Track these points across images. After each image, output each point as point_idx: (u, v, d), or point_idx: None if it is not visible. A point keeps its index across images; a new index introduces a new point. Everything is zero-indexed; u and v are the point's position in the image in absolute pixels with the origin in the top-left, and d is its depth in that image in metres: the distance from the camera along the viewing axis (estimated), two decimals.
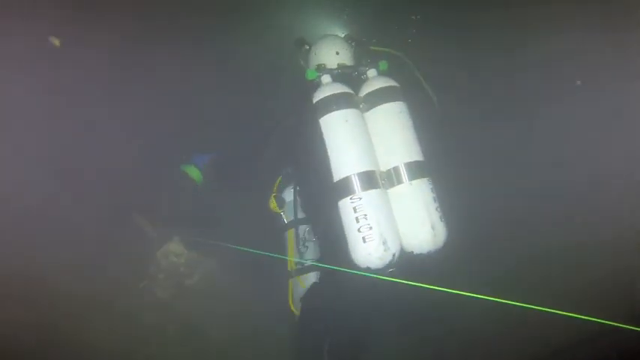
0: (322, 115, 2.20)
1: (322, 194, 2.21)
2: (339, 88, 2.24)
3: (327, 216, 2.19)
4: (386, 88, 2.29)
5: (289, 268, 2.74)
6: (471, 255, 2.60)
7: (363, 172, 2.11)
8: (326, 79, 2.37)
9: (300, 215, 2.65)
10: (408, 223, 2.13)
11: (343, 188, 2.11)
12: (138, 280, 3.30)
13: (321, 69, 2.43)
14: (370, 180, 2.11)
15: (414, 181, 2.16)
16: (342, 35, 2.84)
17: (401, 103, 2.28)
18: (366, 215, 2.06)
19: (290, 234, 2.75)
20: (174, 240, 3.35)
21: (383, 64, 2.45)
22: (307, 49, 2.73)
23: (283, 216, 2.80)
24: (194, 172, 3.07)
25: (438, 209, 2.16)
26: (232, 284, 3.26)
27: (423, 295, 2.17)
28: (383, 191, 2.15)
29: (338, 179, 2.12)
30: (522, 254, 2.87)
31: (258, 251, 2.48)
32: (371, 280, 2.05)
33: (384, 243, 2.04)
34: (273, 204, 2.77)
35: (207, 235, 3.04)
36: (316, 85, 2.38)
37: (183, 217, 3.24)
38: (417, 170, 2.17)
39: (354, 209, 2.07)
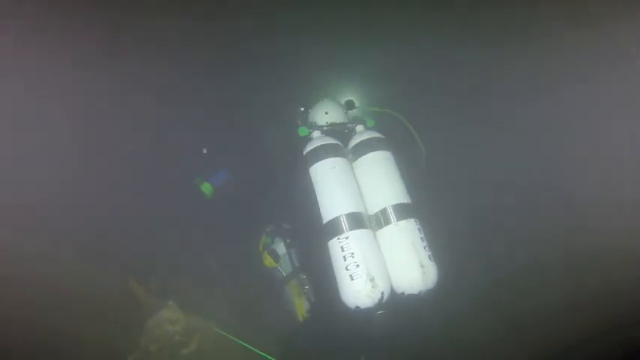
0: (312, 164, 2.35)
1: (313, 237, 2.27)
2: (328, 140, 2.42)
3: (318, 258, 2.22)
4: (372, 139, 2.45)
5: (300, 318, 2.71)
6: (465, 293, 2.54)
7: (350, 213, 2.19)
8: (316, 134, 2.56)
9: (297, 264, 2.68)
10: (396, 262, 2.15)
11: (332, 229, 2.18)
12: (126, 353, 3.04)
13: (312, 126, 2.62)
14: (357, 220, 2.18)
15: (401, 222, 2.22)
16: (337, 98, 3.09)
17: (386, 152, 2.43)
18: (353, 254, 2.10)
19: (292, 285, 2.76)
20: (169, 305, 3.18)
21: (370, 121, 2.65)
22: (302, 111, 2.94)
23: (280, 269, 2.81)
24: (207, 188, 3.14)
25: (427, 248, 2.18)
26: (234, 349, 3.02)
27: (413, 339, 2.13)
28: (371, 232, 2.21)
29: (327, 221, 2.20)
30: (517, 292, 2.80)
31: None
32: (361, 319, 2.02)
33: (372, 280, 2.05)
34: (267, 260, 2.80)
35: (207, 295, 3.01)
36: (307, 140, 2.55)
37: (181, 276, 3.21)
38: (403, 211, 2.24)
39: (342, 248, 2.12)
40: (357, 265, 2.07)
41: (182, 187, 3.24)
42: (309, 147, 2.41)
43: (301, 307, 2.74)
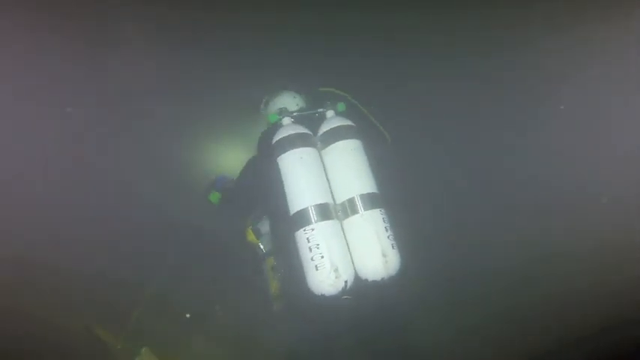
0: (279, 154, 2.39)
1: (282, 227, 2.37)
2: (296, 129, 2.45)
3: (286, 247, 2.33)
4: (341, 127, 2.47)
5: (273, 295, 2.87)
6: (427, 281, 2.66)
7: (317, 204, 2.27)
8: (286, 121, 2.59)
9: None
10: (360, 251, 2.25)
11: (299, 220, 2.26)
12: None
13: (283, 112, 2.65)
14: (324, 212, 2.26)
15: (367, 212, 2.29)
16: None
17: (355, 140, 2.46)
18: (318, 245, 2.20)
19: (269, 262, 2.90)
20: (142, 352, 2.91)
21: (341, 106, 2.66)
22: (266, 99, 2.98)
23: (261, 246, 2.95)
24: (214, 196, 3.04)
25: (390, 237, 2.27)
26: None
27: (378, 318, 2.27)
28: (337, 222, 2.29)
29: (294, 212, 2.28)
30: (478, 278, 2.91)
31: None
32: (328, 305, 2.16)
33: (336, 270, 2.16)
34: (250, 235, 2.93)
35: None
36: (278, 127, 2.60)
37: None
38: (369, 201, 2.31)
39: (308, 239, 2.22)
40: (322, 257, 2.17)
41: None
42: (278, 136, 2.44)
43: (275, 287, 2.89)
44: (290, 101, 2.89)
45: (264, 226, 2.94)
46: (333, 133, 2.46)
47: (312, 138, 2.47)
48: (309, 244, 2.21)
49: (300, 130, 2.45)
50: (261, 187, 2.57)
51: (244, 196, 2.81)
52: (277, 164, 2.40)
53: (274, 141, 2.44)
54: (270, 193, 2.46)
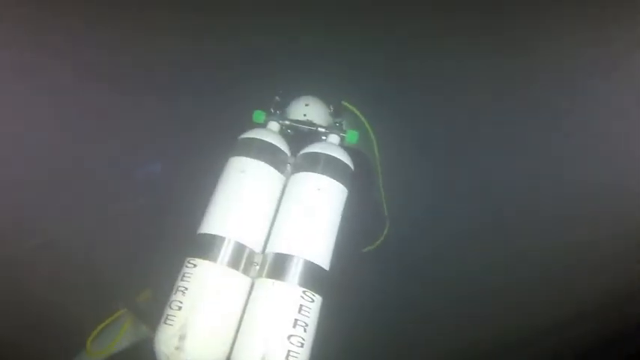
0: (233, 155, 1.73)
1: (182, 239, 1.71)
2: (274, 139, 1.75)
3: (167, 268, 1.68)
4: (333, 159, 1.69)
5: None
6: None
7: (229, 239, 1.54)
8: (273, 126, 1.92)
9: None
10: (240, 335, 1.45)
11: (195, 245, 1.57)
12: None
13: (272, 114, 1.97)
14: (236, 256, 1.52)
15: (284, 285, 1.48)
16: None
17: (343, 188, 1.66)
18: (185, 289, 1.47)
19: None
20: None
21: (352, 136, 1.87)
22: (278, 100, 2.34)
23: None
24: None
25: (292, 340, 1.41)
26: None
27: None
28: (245, 278, 1.53)
29: (201, 232, 1.60)
30: None
31: None
32: None
33: (182, 339, 1.40)
34: None
35: None
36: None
37: None
38: (304, 273, 1.49)
39: (183, 275, 1.51)
40: (179, 308, 1.45)
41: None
42: (248, 134, 1.78)
43: None
44: (297, 109, 2.22)
45: None
46: (316, 160, 1.69)
47: (286, 160, 1.76)
48: (179, 283, 1.50)
49: (278, 142, 1.76)
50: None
51: None
52: (225, 164, 1.75)
53: (241, 136, 1.80)
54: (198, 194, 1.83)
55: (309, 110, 2.18)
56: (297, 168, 1.71)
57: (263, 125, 1.94)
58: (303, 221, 1.57)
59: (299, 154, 1.75)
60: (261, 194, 1.66)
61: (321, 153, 1.70)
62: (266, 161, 1.70)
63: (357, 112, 2.19)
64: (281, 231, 1.59)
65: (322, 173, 1.64)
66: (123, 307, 2.30)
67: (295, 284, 1.47)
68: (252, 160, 1.69)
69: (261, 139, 1.74)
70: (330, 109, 2.16)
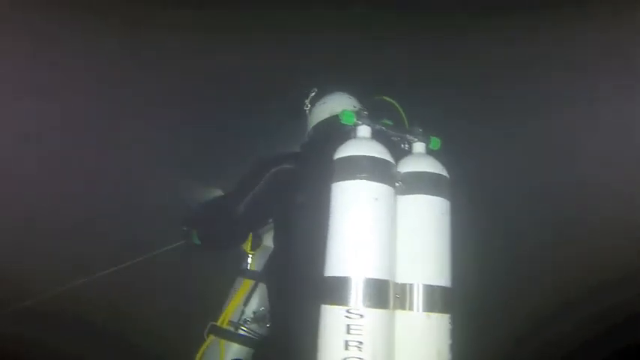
0: (340, 179, 1.54)
1: (301, 284, 1.54)
2: (377, 150, 1.60)
3: (299, 315, 1.52)
4: (432, 175, 1.67)
5: (219, 323, 2.14)
6: None
7: (374, 279, 1.45)
8: (364, 131, 1.74)
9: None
10: None
11: (335, 291, 1.43)
12: None
13: (362, 115, 1.78)
14: (380, 294, 1.45)
15: (433, 315, 1.53)
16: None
17: (445, 202, 1.68)
18: (361, 344, 1.39)
19: (245, 284, 2.18)
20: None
21: (435, 142, 1.86)
22: (315, 94, 2.14)
23: (250, 260, 2.13)
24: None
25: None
26: None
27: None
28: (390, 313, 1.50)
29: (331, 275, 1.45)
30: None
31: None
32: None
33: None
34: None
35: None
36: (344, 134, 1.76)
37: None
38: (440, 299, 1.55)
39: (348, 329, 1.39)
40: None
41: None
42: (348, 150, 1.58)
43: (228, 314, 2.13)
44: (347, 103, 2.07)
45: (268, 240, 2.13)
46: (421, 180, 1.65)
47: (394, 170, 1.66)
48: (348, 337, 1.39)
49: (382, 154, 1.60)
50: (282, 211, 1.75)
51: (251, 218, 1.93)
52: (331, 192, 1.55)
53: (339, 155, 1.59)
54: (299, 228, 1.62)
55: (356, 104, 2.03)
56: (409, 189, 1.64)
57: (352, 129, 1.73)
58: (440, 249, 1.59)
59: (406, 172, 1.66)
60: (392, 219, 1.57)
61: (427, 173, 1.67)
62: (385, 181, 1.57)
63: (398, 107, 2.10)
64: (422, 260, 1.57)
65: (445, 198, 1.64)
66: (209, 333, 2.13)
67: (447, 314, 1.54)
68: (377, 183, 1.54)
69: (374, 157, 1.57)
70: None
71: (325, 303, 1.44)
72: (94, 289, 2.38)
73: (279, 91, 2.92)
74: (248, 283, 2.20)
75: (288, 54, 3.13)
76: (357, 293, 1.42)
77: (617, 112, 2.82)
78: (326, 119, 2.03)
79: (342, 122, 1.72)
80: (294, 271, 1.63)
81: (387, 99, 2.07)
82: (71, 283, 2.29)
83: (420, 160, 1.71)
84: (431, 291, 1.54)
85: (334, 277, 1.45)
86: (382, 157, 1.59)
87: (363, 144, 1.62)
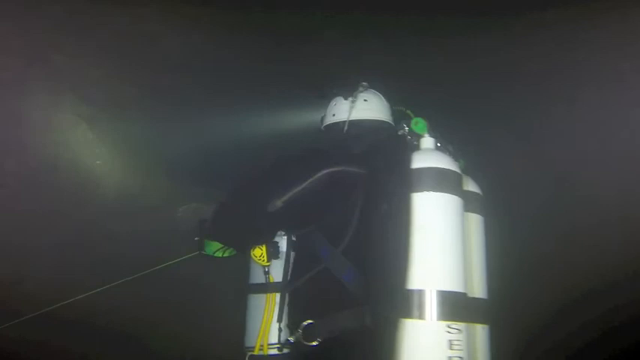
0: (421, 190, 1.51)
1: (380, 295, 1.46)
2: (450, 164, 1.61)
3: (377, 329, 1.43)
4: (478, 195, 1.78)
5: (257, 351, 1.91)
6: None
7: (460, 292, 1.47)
8: (428, 143, 1.73)
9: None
10: None
11: (431, 305, 1.39)
12: None
13: (420, 125, 1.77)
14: (467, 307, 1.48)
15: (485, 327, 1.62)
16: None
17: (485, 219, 1.80)
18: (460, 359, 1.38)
19: (269, 299, 1.91)
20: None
21: (461, 161, 1.95)
22: (363, 88, 2.04)
23: (268, 273, 1.85)
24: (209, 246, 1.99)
25: None
26: None
27: None
28: (474, 327, 1.53)
29: (415, 289, 1.41)
30: None
31: None
32: None
33: None
34: (258, 252, 1.81)
35: None
36: (401, 141, 1.74)
37: None
38: (486, 311, 1.66)
39: (450, 344, 1.37)
40: None
41: None
42: (427, 161, 1.56)
43: (266, 337, 1.88)
44: (387, 112, 2.05)
45: (282, 244, 1.89)
46: (475, 199, 1.74)
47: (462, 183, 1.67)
48: (451, 353, 1.36)
49: (455, 166, 1.62)
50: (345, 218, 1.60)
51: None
52: (412, 201, 1.51)
53: (419, 165, 1.55)
54: (383, 234, 1.52)
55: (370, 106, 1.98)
56: (470, 207, 1.69)
57: (409, 138, 1.70)
58: (484, 266, 1.69)
59: (465, 190, 1.71)
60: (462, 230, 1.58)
61: (477, 194, 1.76)
62: (459, 195, 1.58)
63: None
64: (483, 275, 1.65)
65: (482, 215, 1.75)
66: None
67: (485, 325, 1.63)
68: (456, 197, 1.56)
69: (452, 170, 1.58)
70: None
71: (414, 317, 1.38)
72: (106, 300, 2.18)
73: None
74: (271, 298, 1.95)
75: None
76: (455, 307, 1.41)
77: None
78: (369, 120, 1.93)
79: (415, 130, 1.70)
80: (374, 282, 1.51)
81: (408, 112, 2.07)
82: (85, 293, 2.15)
83: (466, 180, 1.78)
84: (484, 303, 1.63)
85: (417, 290, 1.41)
86: (455, 170, 1.62)
87: (440, 156, 1.62)
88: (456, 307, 1.41)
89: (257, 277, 2.03)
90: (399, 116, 2.05)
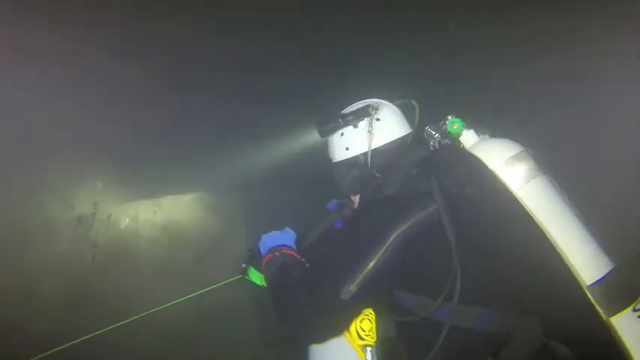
0: (531, 178, 1.33)
1: (567, 300, 1.24)
2: (515, 145, 1.43)
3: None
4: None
5: None
6: None
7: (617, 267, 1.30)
8: (471, 137, 1.54)
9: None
10: None
11: (612, 295, 1.23)
12: None
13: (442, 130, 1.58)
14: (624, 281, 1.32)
15: None
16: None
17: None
18: None
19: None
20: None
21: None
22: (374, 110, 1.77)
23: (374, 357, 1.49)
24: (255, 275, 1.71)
25: None
26: None
27: None
28: None
29: (593, 282, 1.23)
30: None
31: None
32: None
33: None
34: (367, 325, 1.47)
35: None
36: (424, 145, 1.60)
37: None
38: None
39: None
40: None
41: None
42: (504, 152, 1.37)
43: None
44: (401, 119, 1.81)
45: None
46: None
47: None
48: None
49: (517, 145, 1.46)
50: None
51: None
52: (515, 197, 1.31)
53: (495, 164, 1.35)
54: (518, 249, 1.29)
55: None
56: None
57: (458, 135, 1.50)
58: None
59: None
60: None
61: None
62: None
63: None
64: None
65: None
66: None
67: None
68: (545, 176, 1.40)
69: (523, 150, 1.42)
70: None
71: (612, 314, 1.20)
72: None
73: None
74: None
75: None
76: (624, 287, 1.25)
77: None
78: (391, 142, 1.68)
79: (454, 131, 1.50)
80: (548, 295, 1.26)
81: (413, 102, 1.86)
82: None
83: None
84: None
85: (594, 283, 1.23)
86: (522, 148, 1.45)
87: (503, 142, 1.45)
88: (623, 285, 1.25)
89: None
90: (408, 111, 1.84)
